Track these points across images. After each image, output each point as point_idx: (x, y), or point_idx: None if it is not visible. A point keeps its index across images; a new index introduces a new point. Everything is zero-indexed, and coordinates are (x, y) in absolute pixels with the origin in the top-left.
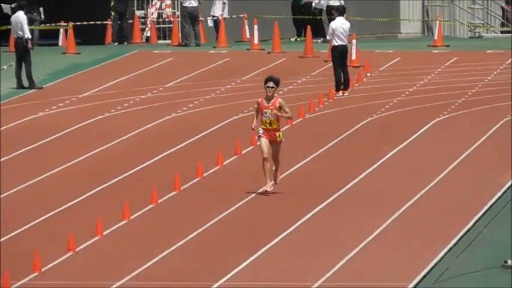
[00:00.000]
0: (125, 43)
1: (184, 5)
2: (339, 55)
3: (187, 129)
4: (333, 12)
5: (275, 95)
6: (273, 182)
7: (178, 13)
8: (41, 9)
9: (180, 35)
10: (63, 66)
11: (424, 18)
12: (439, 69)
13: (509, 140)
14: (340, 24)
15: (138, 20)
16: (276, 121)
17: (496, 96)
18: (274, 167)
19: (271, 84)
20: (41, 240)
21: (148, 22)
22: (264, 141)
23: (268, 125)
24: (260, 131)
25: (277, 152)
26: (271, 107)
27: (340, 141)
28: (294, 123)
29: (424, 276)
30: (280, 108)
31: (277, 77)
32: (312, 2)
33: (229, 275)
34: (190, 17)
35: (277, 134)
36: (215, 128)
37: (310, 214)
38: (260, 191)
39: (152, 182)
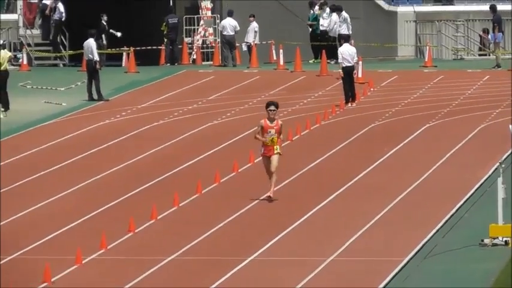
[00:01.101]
0: (176, 64)
1: (223, 33)
2: (347, 74)
3: (226, 133)
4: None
5: (276, 117)
6: (271, 193)
7: (218, 40)
8: (104, 36)
9: (220, 57)
10: (125, 82)
11: (416, 44)
12: (429, 85)
13: (485, 141)
14: (346, 50)
15: (186, 46)
16: (277, 139)
17: (474, 107)
18: (273, 180)
19: (272, 107)
20: (107, 223)
21: (194, 47)
22: (265, 160)
23: (270, 142)
24: (261, 150)
25: (276, 162)
26: (275, 127)
27: (349, 143)
28: (311, 128)
29: (417, 252)
30: (281, 126)
31: (276, 101)
32: (326, 30)
33: (260, 251)
34: (228, 43)
35: (275, 147)
36: (248, 132)
37: (325, 202)
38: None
39: (197, 176)
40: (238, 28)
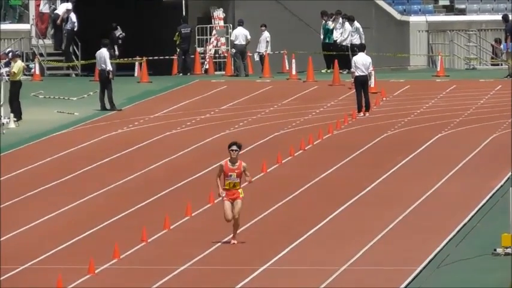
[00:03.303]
0: (188, 74)
1: (235, 43)
2: (360, 83)
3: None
4: (355, 49)
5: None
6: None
7: (230, 50)
8: (116, 46)
9: (232, 67)
10: (138, 92)
11: (429, 53)
12: (441, 95)
13: (498, 151)
14: (360, 59)
15: (198, 55)
16: (239, 183)
17: (487, 116)
18: (235, 225)
19: (234, 147)
20: (120, 232)
21: (207, 57)
22: (228, 205)
23: (232, 187)
24: (223, 194)
25: (239, 208)
26: (236, 170)
27: (362, 152)
28: (324, 137)
29: (430, 262)
30: (244, 171)
31: (240, 142)
32: (337, 40)
33: (273, 260)
34: (240, 52)
35: (239, 190)
36: (260, 142)
37: (337, 211)
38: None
39: (210, 186)
40: (249, 37)
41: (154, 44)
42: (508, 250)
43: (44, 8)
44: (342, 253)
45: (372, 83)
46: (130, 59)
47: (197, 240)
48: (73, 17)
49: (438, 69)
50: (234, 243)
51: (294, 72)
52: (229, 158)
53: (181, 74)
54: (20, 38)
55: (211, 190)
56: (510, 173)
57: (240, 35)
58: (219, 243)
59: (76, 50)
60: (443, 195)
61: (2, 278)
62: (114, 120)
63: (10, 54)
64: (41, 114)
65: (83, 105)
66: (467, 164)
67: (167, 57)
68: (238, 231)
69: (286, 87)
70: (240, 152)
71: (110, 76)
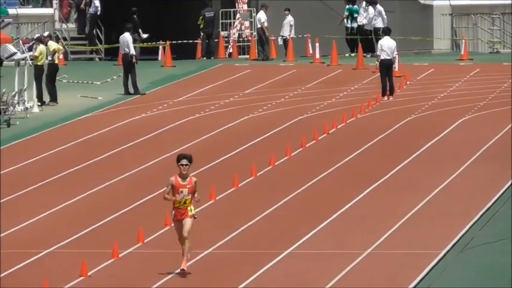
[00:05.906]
0: (212, 58)
1: (257, 27)
2: (385, 67)
3: (262, 127)
4: (378, 32)
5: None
6: (184, 265)
7: (254, 33)
8: (140, 30)
9: (256, 51)
10: (161, 76)
11: (452, 37)
12: (465, 78)
13: None
14: (386, 42)
15: (222, 39)
16: (191, 199)
17: (510, 100)
18: (185, 249)
19: (184, 161)
20: (144, 216)
21: (230, 41)
22: (177, 227)
23: (182, 204)
24: (172, 213)
25: (189, 226)
26: (188, 186)
27: (385, 136)
28: (348, 121)
29: (454, 245)
30: (195, 184)
31: (189, 154)
32: (362, 24)
33: (296, 244)
34: (258, 36)
35: (188, 208)
36: (284, 126)
37: (361, 195)
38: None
39: (234, 170)
40: (262, 21)
41: (178, 28)
42: None
43: None
44: (366, 237)
45: (396, 66)
46: (154, 43)
47: (220, 224)
48: (96, 1)
49: (462, 53)
50: (183, 269)
51: (317, 56)
52: (178, 173)
53: (205, 58)
54: (43, 22)
55: (235, 174)
56: None
57: (257, 18)
58: (244, 227)
59: (100, 34)
60: (467, 180)
61: (26, 262)
62: (137, 104)
63: (41, 37)
64: (65, 98)
65: (106, 89)
66: (490, 148)
67: (191, 41)
68: (189, 255)
69: (310, 71)
70: (264, 136)
71: (134, 60)
